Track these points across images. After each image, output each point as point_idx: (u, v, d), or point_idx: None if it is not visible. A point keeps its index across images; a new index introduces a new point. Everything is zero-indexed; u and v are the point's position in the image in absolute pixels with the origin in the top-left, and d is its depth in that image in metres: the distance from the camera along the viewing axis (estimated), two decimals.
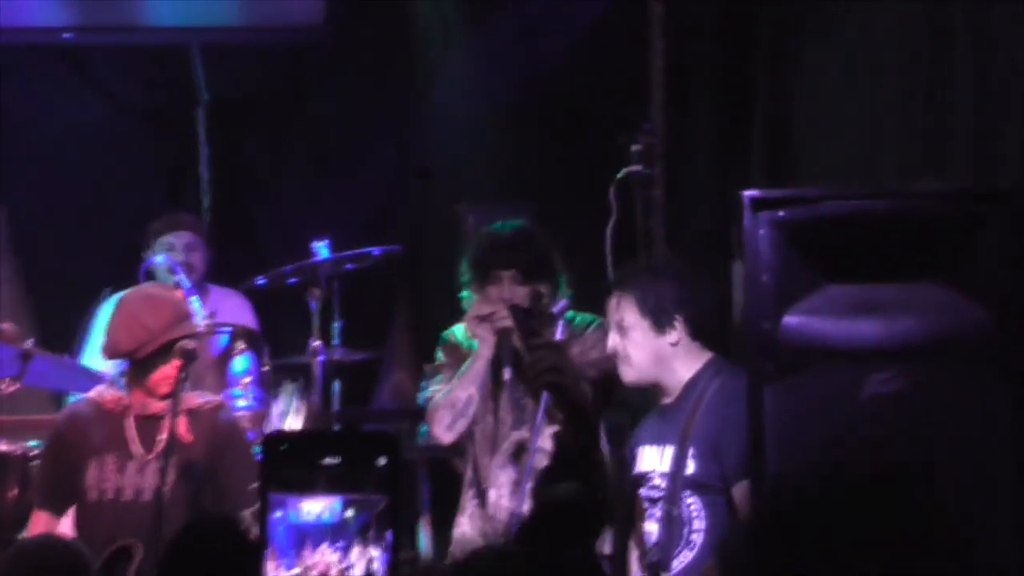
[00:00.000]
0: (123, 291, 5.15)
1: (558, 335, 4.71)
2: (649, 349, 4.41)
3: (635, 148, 5.51)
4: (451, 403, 4.80)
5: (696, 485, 4.31)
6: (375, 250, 5.90)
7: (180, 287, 5.60)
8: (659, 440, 4.45)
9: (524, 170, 6.71)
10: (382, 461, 2.71)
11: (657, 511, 4.39)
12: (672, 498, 4.34)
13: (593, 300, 4.87)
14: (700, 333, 4.45)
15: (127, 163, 7.13)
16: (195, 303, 5.58)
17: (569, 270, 4.90)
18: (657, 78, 5.50)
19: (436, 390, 4.87)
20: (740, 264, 4.23)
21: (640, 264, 4.62)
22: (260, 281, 5.93)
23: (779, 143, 5.52)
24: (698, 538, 4.31)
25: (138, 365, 4.61)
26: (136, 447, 4.61)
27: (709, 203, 5.72)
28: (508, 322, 4.72)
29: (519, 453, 4.80)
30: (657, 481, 4.41)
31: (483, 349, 4.79)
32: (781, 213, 3.64)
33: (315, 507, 2.72)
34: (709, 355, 4.46)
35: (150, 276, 5.87)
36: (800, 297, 3.64)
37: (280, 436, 3.39)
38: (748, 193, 3.66)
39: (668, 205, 5.46)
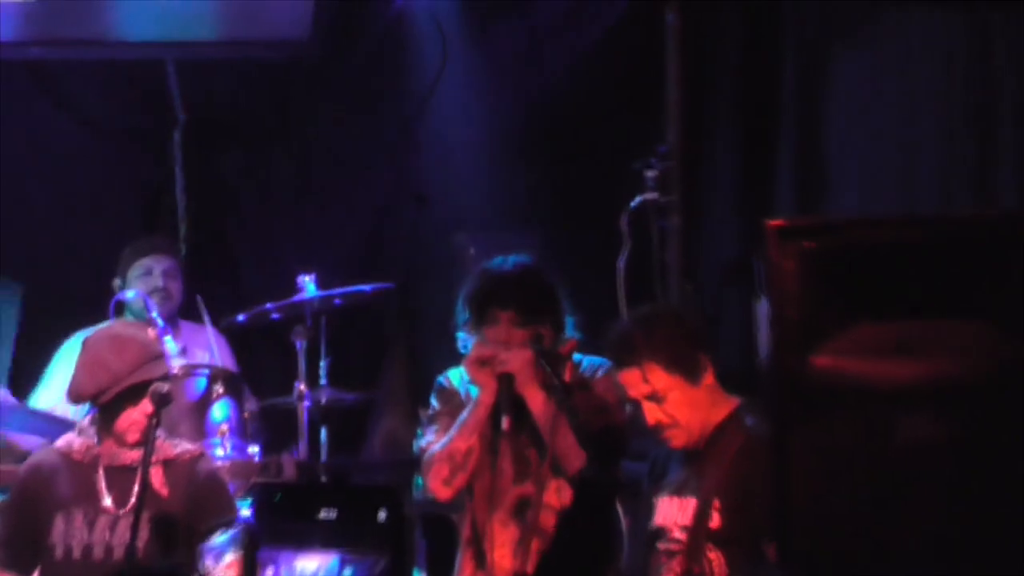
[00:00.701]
0: (90, 329, 5.15)
1: (566, 377, 4.69)
2: (691, 403, 4.43)
3: (650, 174, 5.52)
4: (449, 455, 4.78)
5: (720, 540, 4.32)
6: (367, 288, 5.90)
7: (153, 325, 5.60)
8: (680, 491, 4.45)
9: (529, 197, 6.71)
10: (383, 516, 2.71)
11: (676, 566, 4.40)
12: (693, 553, 4.34)
13: (604, 341, 4.86)
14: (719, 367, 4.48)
15: (97, 187, 7.13)
16: (169, 343, 5.59)
17: (577, 309, 4.89)
18: (673, 96, 5.51)
19: (432, 440, 4.85)
20: (764, 299, 4.23)
21: (632, 329, 4.60)
22: (241, 318, 5.93)
23: (808, 167, 5.52)
24: None
25: (104, 410, 4.61)
26: (107, 501, 4.60)
27: (731, 233, 5.72)
28: (509, 366, 4.71)
29: (522, 509, 4.78)
30: (677, 535, 4.41)
31: (484, 396, 4.75)
32: (809, 243, 3.63)
33: (309, 564, 2.71)
34: (736, 400, 4.48)
35: (120, 312, 5.87)
36: (830, 335, 3.64)
37: (273, 486, 3.38)
38: (773, 222, 3.66)
39: (686, 235, 5.47)
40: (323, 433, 5.92)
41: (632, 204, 5.52)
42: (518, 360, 4.70)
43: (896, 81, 5.13)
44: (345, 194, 7.12)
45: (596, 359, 4.87)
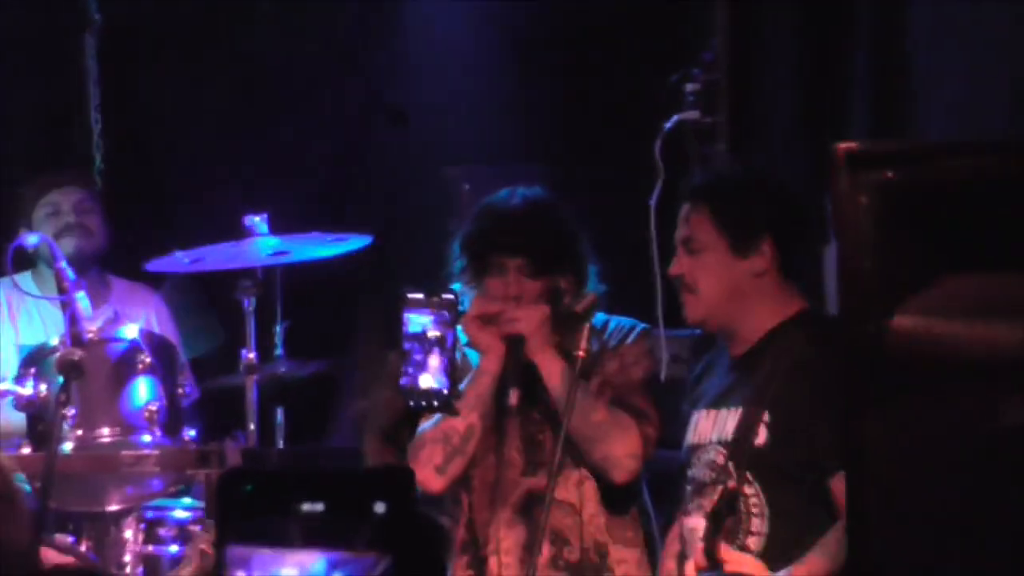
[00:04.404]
0: None
1: (583, 344, 4.75)
2: (725, 278, 4.57)
3: (690, 88, 5.58)
4: (443, 435, 4.86)
5: (766, 464, 4.42)
6: (334, 237, 5.92)
7: (63, 277, 5.64)
8: (722, 402, 4.58)
9: (537, 120, 6.76)
10: (381, 508, 2.75)
11: (706, 502, 4.49)
12: (736, 476, 4.45)
13: (634, 296, 4.95)
14: (791, 267, 4.60)
15: None
16: (83, 301, 5.63)
17: (600, 256, 4.97)
18: None
19: (421, 418, 4.93)
20: (834, 245, 4.29)
21: (717, 170, 4.76)
22: (169, 267, 5.97)
23: (891, 80, 5.56)
24: (756, 543, 4.43)
25: None
26: None
27: (791, 162, 5.77)
28: (519, 326, 4.78)
29: (531, 507, 4.85)
30: (713, 455, 4.53)
31: (487, 363, 4.84)
32: (890, 174, 3.69)
33: (290, 569, 2.76)
34: (801, 304, 4.60)
35: (21, 263, 5.92)
36: (915, 290, 3.70)
37: (243, 473, 3.39)
38: (844, 146, 3.73)
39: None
40: (278, 414, 5.97)
41: (667, 126, 5.57)
42: (530, 319, 4.79)
43: None
44: (304, 116, 7.16)
45: (626, 320, 4.95)
